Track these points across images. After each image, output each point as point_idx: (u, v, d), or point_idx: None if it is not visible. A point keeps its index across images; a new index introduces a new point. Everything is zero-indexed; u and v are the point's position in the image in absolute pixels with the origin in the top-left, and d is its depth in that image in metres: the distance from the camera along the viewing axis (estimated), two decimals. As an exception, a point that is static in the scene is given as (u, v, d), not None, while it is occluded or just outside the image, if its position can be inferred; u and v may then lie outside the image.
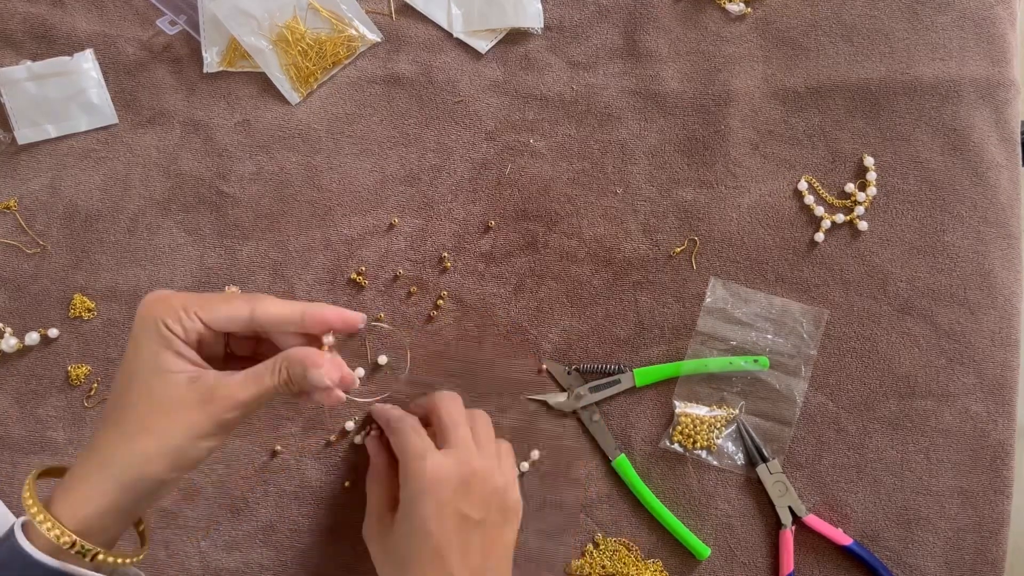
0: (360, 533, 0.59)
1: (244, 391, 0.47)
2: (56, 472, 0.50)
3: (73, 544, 0.44)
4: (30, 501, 0.45)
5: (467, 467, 0.55)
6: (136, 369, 0.47)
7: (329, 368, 0.48)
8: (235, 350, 0.53)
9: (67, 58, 0.68)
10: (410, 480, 0.54)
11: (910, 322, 0.66)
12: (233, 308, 0.48)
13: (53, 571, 0.44)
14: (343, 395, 0.49)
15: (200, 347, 0.48)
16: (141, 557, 0.48)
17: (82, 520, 0.45)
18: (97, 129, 0.69)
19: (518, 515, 0.58)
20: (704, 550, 0.64)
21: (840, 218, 0.67)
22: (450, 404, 0.59)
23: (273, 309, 0.48)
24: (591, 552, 0.65)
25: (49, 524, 0.44)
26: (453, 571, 0.53)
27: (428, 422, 0.60)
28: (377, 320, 0.60)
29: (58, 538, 0.44)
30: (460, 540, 0.53)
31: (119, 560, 0.46)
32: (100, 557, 0.45)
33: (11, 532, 0.45)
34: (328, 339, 0.50)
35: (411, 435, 0.56)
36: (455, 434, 0.57)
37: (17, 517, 0.65)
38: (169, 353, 0.46)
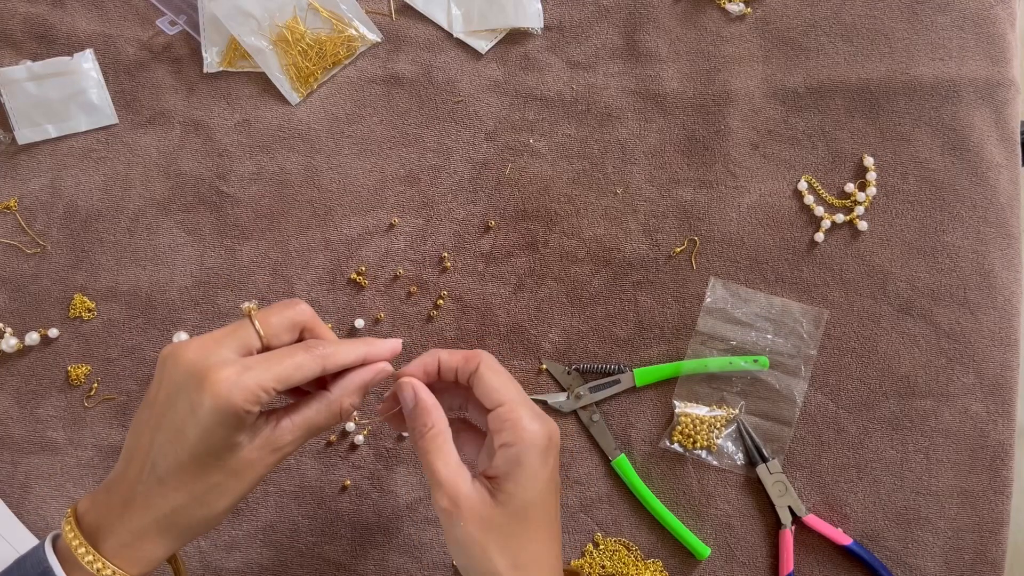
0: (361, 532, 0.59)
1: (300, 433, 0.48)
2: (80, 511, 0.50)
3: None
4: (89, 556, 0.45)
5: (557, 433, 0.50)
6: (207, 447, 0.45)
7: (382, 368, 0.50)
8: None
9: (67, 58, 0.68)
10: (530, 446, 0.48)
11: (910, 322, 0.66)
12: (305, 370, 0.47)
13: None
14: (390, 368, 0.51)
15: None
16: None
17: (137, 573, 0.46)
18: (97, 129, 0.69)
19: None
20: (704, 550, 0.64)
21: (840, 218, 0.67)
22: (501, 372, 0.51)
23: (341, 359, 0.48)
24: (591, 552, 0.65)
25: (100, 564, 0.44)
26: (560, 545, 0.50)
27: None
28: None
29: None
30: (558, 511, 0.51)
31: None
32: None
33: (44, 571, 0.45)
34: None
35: (514, 386, 0.50)
36: (526, 398, 0.51)
37: (18, 521, 0.65)
38: (244, 433, 0.46)
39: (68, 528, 0.46)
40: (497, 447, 0.48)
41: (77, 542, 0.45)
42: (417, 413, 0.49)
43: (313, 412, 0.48)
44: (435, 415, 0.49)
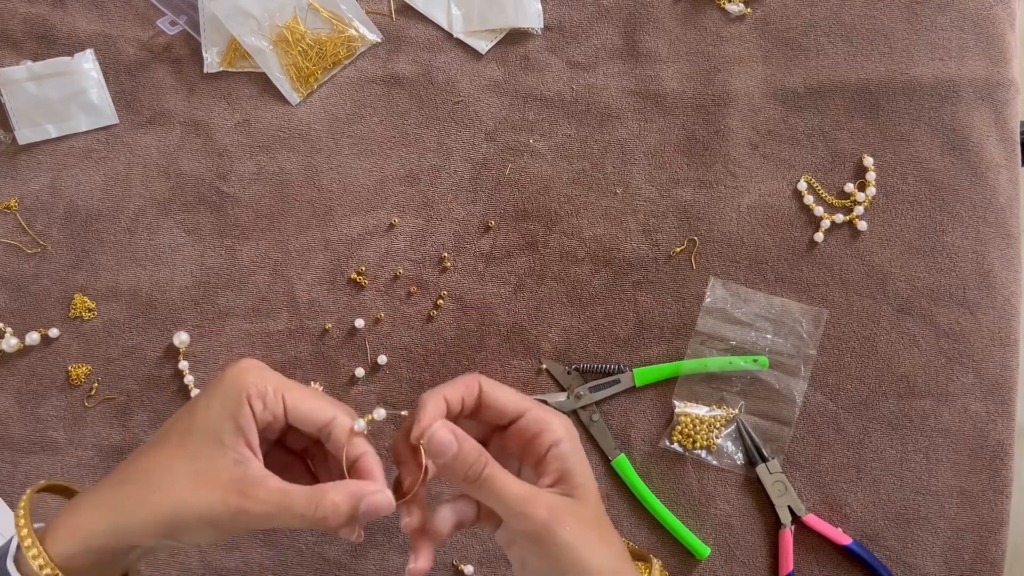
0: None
1: (274, 502, 0.43)
2: (60, 490, 0.48)
3: None
4: (23, 526, 0.42)
5: (609, 524, 0.48)
6: (196, 428, 0.44)
7: (381, 499, 0.45)
8: (288, 442, 0.50)
9: (67, 58, 0.68)
10: (573, 437, 0.48)
11: (910, 322, 0.66)
12: (318, 404, 0.45)
13: None
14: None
15: (262, 431, 0.45)
16: None
17: (75, 554, 0.42)
18: (97, 129, 0.69)
19: None
20: (704, 550, 0.64)
21: (840, 218, 0.67)
22: (501, 384, 0.49)
23: (345, 422, 0.46)
24: (591, 552, 0.65)
25: (35, 551, 0.41)
26: None
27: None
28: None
29: (41, 568, 0.41)
30: None
31: None
32: None
33: (5, 552, 0.43)
34: (360, 424, 0.46)
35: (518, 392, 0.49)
36: (591, 484, 0.48)
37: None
38: (233, 425, 0.43)
39: (23, 503, 0.43)
40: (545, 450, 0.47)
41: (22, 514, 0.43)
42: (467, 451, 0.45)
43: (298, 490, 0.44)
44: (478, 445, 0.46)
